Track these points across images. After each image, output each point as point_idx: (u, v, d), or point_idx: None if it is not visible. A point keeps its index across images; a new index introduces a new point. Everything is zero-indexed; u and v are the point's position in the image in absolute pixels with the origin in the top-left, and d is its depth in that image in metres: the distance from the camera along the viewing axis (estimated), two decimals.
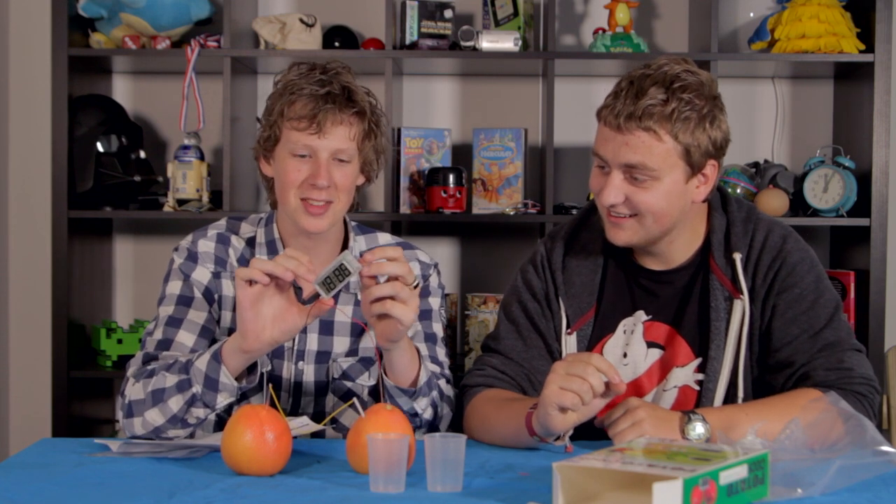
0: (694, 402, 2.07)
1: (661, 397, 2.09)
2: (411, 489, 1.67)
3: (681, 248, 2.11)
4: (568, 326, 2.13)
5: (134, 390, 2.01)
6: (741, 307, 2.05)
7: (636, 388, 2.10)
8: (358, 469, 1.76)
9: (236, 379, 1.93)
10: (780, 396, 1.98)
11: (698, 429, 1.86)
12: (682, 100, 1.95)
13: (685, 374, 2.08)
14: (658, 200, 1.99)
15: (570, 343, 2.12)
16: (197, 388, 1.93)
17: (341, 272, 1.82)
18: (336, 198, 2.10)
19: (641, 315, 2.12)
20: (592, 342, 2.13)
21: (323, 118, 2.06)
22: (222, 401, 1.95)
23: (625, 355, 2.11)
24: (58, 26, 3.35)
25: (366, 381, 2.19)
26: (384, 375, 1.97)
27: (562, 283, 2.15)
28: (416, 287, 1.86)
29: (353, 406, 2.01)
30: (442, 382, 2.12)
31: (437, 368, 2.17)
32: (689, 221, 2.09)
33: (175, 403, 1.95)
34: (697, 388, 2.07)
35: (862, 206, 3.37)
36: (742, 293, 2.05)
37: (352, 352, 2.19)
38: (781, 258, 2.06)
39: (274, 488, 1.68)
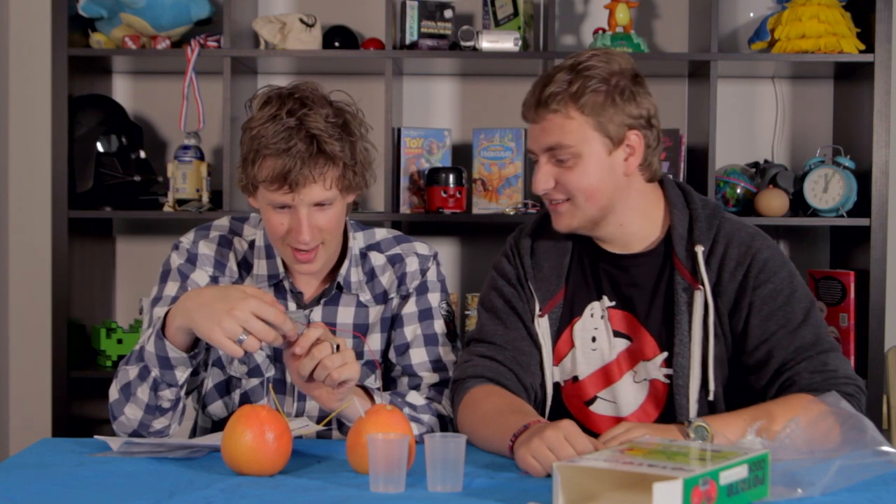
0: (664, 396, 2.09)
1: (631, 389, 2.11)
2: (411, 489, 1.67)
3: (636, 234, 2.13)
4: (539, 309, 2.14)
5: (111, 391, 2.04)
6: (701, 299, 2.06)
7: (606, 375, 2.12)
8: (358, 469, 1.76)
9: (186, 350, 1.94)
10: (776, 402, 1.98)
11: (696, 422, 1.86)
12: (587, 77, 2.05)
13: (653, 368, 2.10)
14: (584, 177, 2.06)
15: (542, 325, 2.14)
16: (155, 372, 1.95)
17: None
18: (324, 239, 2.07)
19: (606, 301, 2.15)
20: (562, 325, 2.15)
21: (294, 179, 1.97)
22: (181, 375, 1.96)
23: (593, 339, 2.13)
24: (58, 26, 3.35)
25: (372, 383, 2.19)
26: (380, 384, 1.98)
27: (530, 267, 2.18)
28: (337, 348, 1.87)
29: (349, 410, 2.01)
30: (439, 405, 2.11)
31: (434, 378, 2.17)
32: (638, 204, 2.11)
33: (143, 393, 1.98)
34: (667, 381, 2.08)
35: (862, 206, 3.37)
36: (702, 285, 2.06)
37: (357, 355, 2.17)
38: (751, 255, 2.08)
39: (274, 488, 1.68)
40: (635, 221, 2.12)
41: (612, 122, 2.05)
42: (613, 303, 2.14)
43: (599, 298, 2.15)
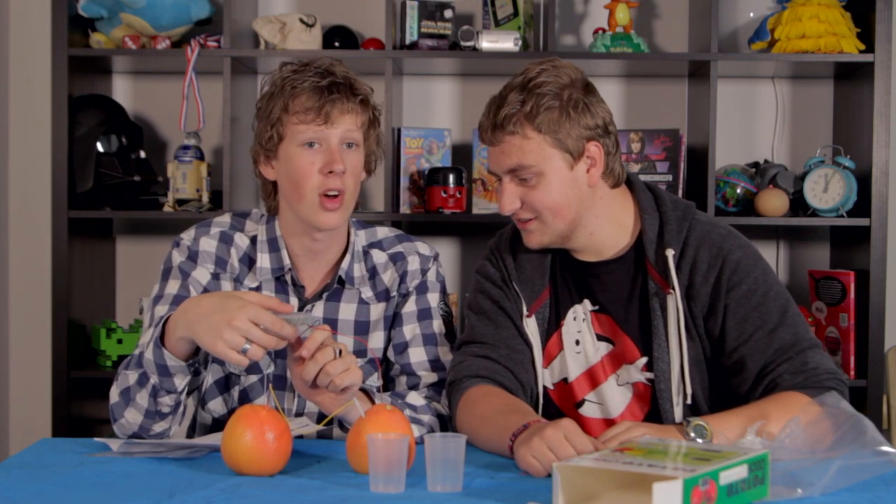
0: (648, 398, 2.09)
1: (616, 391, 2.11)
2: (411, 489, 1.67)
3: (606, 241, 2.13)
4: (526, 310, 2.15)
5: (112, 394, 2.04)
6: (674, 303, 2.06)
7: (592, 378, 2.13)
8: (358, 469, 1.76)
9: (185, 358, 1.93)
10: (771, 401, 1.98)
11: (695, 421, 1.87)
12: (539, 95, 2.05)
13: (635, 371, 2.10)
14: (549, 195, 2.06)
15: (530, 326, 2.14)
16: (154, 379, 1.95)
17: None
18: (349, 187, 2.09)
19: (588, 304, 2.15)
20: (551, 326, 2.16)
21: (330, 108, 2.05)
22: (180, 382, 1.95)
23: (577, 343, 2.14)
24: (58, 26, 3.35)
25: (374, 381, 2.19)
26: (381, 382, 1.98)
27: (513, 268, 2.18)
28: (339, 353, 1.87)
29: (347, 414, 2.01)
30: (438, 405, 2.12)
31: (433, 377, 2.17)
32: (606, 211, 2.11)
33: (142, 399, 1.97)
34: (649, 384, 2.09)
35: (862, 206, 3.37)
36: (672, 289, 2.06)
37: (359, 353, 2.18)
38: (722, 256, 2.07)
39: (274, 488, 1.68)
40: (605, 229, 2.12)
41: (569, 136, 2.05)
42: (596, 307, 2.14)
43: (581, 302, 2.15)
